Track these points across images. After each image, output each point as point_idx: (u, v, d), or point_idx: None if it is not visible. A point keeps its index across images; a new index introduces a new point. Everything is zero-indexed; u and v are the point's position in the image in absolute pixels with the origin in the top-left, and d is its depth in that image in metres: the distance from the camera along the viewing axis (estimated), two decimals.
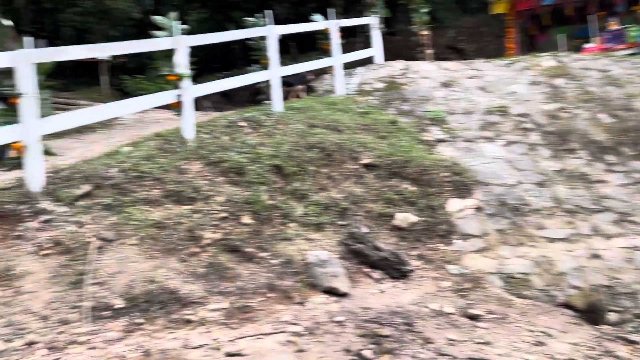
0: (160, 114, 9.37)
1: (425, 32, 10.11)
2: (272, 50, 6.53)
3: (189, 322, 3.67)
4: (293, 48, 14.55)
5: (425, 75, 8.50)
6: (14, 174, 4.27)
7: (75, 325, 3.34)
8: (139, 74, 20.45)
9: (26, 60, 3.83)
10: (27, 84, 3.84)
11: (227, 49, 17.67)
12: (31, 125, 3.88)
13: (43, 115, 4.02)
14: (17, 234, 3.78)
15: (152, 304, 3.66)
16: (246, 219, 4.74)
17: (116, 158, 4.82)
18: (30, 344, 3.08)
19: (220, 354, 3.29)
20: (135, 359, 3.12)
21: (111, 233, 4.05)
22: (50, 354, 3.05)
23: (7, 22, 3.93)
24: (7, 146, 4.03)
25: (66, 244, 3.83)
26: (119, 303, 3.58)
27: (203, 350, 3.30)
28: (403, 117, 7.31)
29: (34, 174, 3.95)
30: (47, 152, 4.12)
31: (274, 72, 6.55)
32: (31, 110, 3.88)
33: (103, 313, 3.50)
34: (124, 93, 20.27)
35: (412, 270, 4.75)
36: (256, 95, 9.18)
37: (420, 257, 5.04)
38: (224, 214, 4.67)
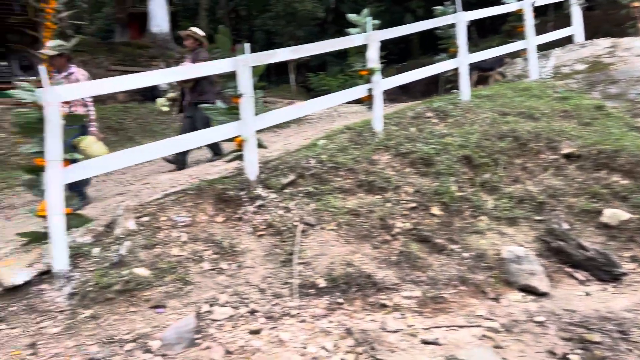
0: (343, 108, 9.81)
1: (637, 4, 8.79)
2: (461, 37, 6.37)
3: (384, 306, 3.84)
4: (473, 33, 13.96)
5: None
6: (234, 164, 4.92)
7: (287, 299, 3.75)
8: (321, 71, 21.71)
9: (245, 64, 4.37)
10: (246, 85, 4.38)
11: (403, 40, 17.70)
12: (249, 122, 4.43)
13: (257, 113, 4.55)
14: (238, 216, 4.36)
15: (351, 286, 3.91)
16: (435, 210, 4.74)
17: (314, 150, 5.21)
18: (252, 312, 3.55)
19: (416, 340, 3.38)
20: (338, 335, 3.38)
21: (313, 218, 4.42)
22: (269, 322, 3.48)
23: (225, 30, 4.50)
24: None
25: (276, 226, 4.30)
26: (321, 282, 3.90)
27: (400, 335, 3.43)
28: (611, 102, 6.51)
29: (251, 164, 4.51)
30: (260, 145, 4.65)
31: (463, 60, 6.38)
32: (249, 108, 4.42)
33: (309, 290, 3.86)
34: (308, 90, 21.76)
35: (624, 274, 4.25)
36: (431, 85, 9.02)
37: (634, 259, 4.47)
38: (413, 204, 4.74)
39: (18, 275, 3.54)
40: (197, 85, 6.07)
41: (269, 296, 3.75)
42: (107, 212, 4.56)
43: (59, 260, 3.54)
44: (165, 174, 6.17)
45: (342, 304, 3.79)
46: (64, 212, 3.58)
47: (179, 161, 6.28)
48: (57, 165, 3.51)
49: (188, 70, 4.33)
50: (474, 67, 6.68)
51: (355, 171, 4.94)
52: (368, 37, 5.32)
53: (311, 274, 3.97)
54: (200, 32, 6.40)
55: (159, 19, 14.83)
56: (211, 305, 3.55)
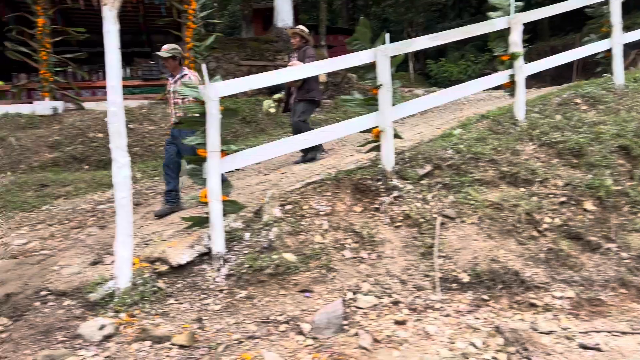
0: (470, 95, 9.40)
1: None
2: (615, 15, 5.75)
3: (533, 305, 3.64)
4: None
5: None
6: (369, 155, 4.96)
7: (428, 292, 3.72)
8: (440, 58, 21.04)
9: (384, 54, 4.36)
10: (384, 75, 4.38)
11: (530, 22, 16.42)
12: (387, 112, 4.43)
13: (394, 103, 4.53)
14: (375, 206, 4.40)
15: (496, 283, 3.77)
16: (588, 205, 4.38)
17: (450, 140, 5.07)
18: (395, 302, 3.57)
19: (573, 344, 3.16)
20: (487, 333, 3.28)
21: (452, 211, 4.31)
22: (413, 314, 3.48)
23: (365, 21, 4.50)
24: None
25: (414, 218, 4.27)
26: (464, 277, 3.81)
27: (554, 337, 3.23)
28: None
29: (387, 155, 4.51)
30: (396, 136, 4.63)
31: (617, 40, 5.77)
32: (387, 99, 4.42)
33: (451, 285, 3.78)
34: (427, 77, 21.25)
35: None
36: (564, 69, 8.21)
37: None
38: (563, 199, 4.41)
39: (182, 255, 3.91)
40: (304, 84, 6.05)
41: (411, 288, 3.75)
42: (251, 199, 4.85)
43: (217, 243, 3.85)
44: (299, 165, 6.41)
45: (487, 300, 3.67)
46: (221, 199, 3.88)
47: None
48: (216, 155, 3.81)
49: (330, 63, 4.43)
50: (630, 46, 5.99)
51: (497, 162, 4.72)
52: (511, 19, 5.02)
53: (453, 268, 3.89)
54: (306, 30, 6.49)
55: (284, 14, 15.33)
56: (354, 293, 3.64)
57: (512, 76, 5.12)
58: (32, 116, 9.02)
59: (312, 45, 6.43)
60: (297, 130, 5.84)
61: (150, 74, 10.63)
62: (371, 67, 4.51)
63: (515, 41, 5.03)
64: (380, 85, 4.39)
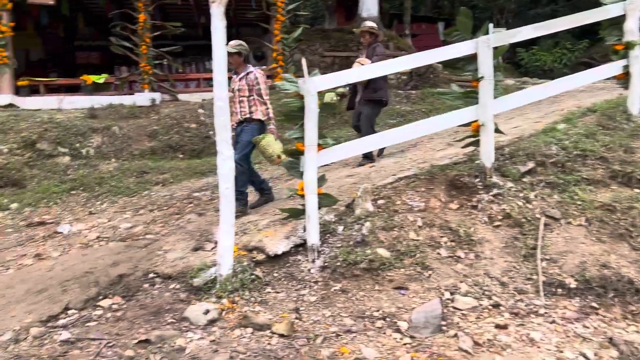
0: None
1: None
2: None
3: None
4: None
5: None
6: (465, 150, 4.80)
7: (531, 296, 3.54)
8: (532, 46, 19.88)
9: (487, 45, 4.17)
10: (486, 67, 4.19)
11: None
12: (488, 106, 4.24)
13: (495, 96, 4.33)
14: (472, 204, 4.25)
15: (607, 290, 3.51)
16: None
17: (554, 135, 4.78)
18: (495, 305, 3.44)
19: None
20: (598, 343, 3.07)
21: (557, 211, 4.07)
22: (514, 318, 3.33)
23: (466, 11, 4.32)
24: None
25: (515, 217, 4.07)
26: (571, 282, 3.58)
27: None
28: None
29: (487, 150, 4.32)
30: (497, 130, 4.43)
31: None
32: (488, 92, 4.23)
33: (556, 290, 3.58)
34: (517, 66, 20.18)
35: None
36: None
37: None
38: None
39: (278, 245, 4.00)
40: (371, 82, 5.76)
41: (512, 291, 3.59)
42: (342, 192, 4.86)
43: (312, 235, 3.90)
44: (387, 159, 6.34)
45: (597, 308, 3.44)
46: (316, 192, 3.92)
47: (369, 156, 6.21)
48: (313, 149, 3.85)
49: (431, 55, 4.31)
50: None
51: (608, 160, 4.39)
52: (627, 5, 4.62)
53: (558, 272, 3.67)
54: (375, 26, 6.32)
55: (369, 4, 15.21)
56: (452, 293, 3.54)
57: (626, 67, 4.72)
58: (132, 107, 9.62)
59: (381, 41, 6.27)
60: (365, 134, 5.63)
61: None
62: (471, 58, 4.34)
63: (631, 29, 4.62)
64: (482, 77, 4.21)
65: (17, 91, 9.83)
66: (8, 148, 7.80)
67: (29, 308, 3.51)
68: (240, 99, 5.08)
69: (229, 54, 4.95)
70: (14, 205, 6.60)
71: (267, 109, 5.08)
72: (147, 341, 3.06)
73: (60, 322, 3.36)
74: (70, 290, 3.72)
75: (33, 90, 10.14)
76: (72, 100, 9.67)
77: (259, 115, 5.08)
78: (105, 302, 3.59)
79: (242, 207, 4.91)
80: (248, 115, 5.06)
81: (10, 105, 9.48)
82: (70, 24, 13.28)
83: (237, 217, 4.00)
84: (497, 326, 3.22)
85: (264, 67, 11.84)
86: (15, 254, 4.86)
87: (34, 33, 12.91)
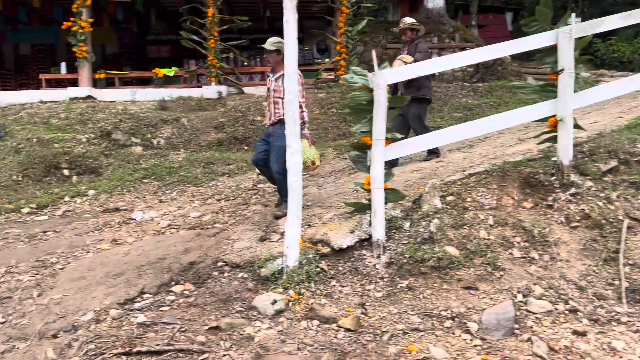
0: None
1: None
2: None
3: None
4: None
5: None
6: (541, 146, 4.57)
7: (612, 303, 3.33)
8: (610, 37, 18.68)
9: (569, 37, 3.94)
10: (567, 59, 3.96)
11: None
12: (567, 100, 4.02)
13: (575, 90, 4.09)
14: (548, 203, 4.05)
15: None
16: None
17: (639, 132, 4.46)
18: (572, 310, 3.26)
19: None
20: None
21: None
22: (594, 325, 3.15)
23: (547, 1, 4.09)
24: None
25: (595, 219, 3.85)
26: None
27: None
28: None
29: (565, 147, 4.10)
30: (576, 126, 4.19)
31: None
32: (568, 86, 4.00)
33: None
34: (591, 58, 19.03)
35: None
36: None
37: None
38: None
39: (343, 239, 3.99)
40: (414, 80, 5.39)
41: (590, 296, 3.40)
42: (407, 187, 4.78)
43: (378, 230, 3.86)
44: (454, 153, 6.17)
45: None
46: (383, 187, 3.88)
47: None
48: (381, 143, 3.80)
49: (508, 47, 4.12)
50: None
51: None
52: None
53: None
54: (417, 23, 6.08)
55: None
56: (525, 295, 3.40)
57: None
58: (200, 99, 9.92)
59: (423, 33, 6.07)
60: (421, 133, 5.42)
61: (303, 59, 11.04)
62: (550, 50, 4.12)
63: None
64: (561, 70, 3.98)
65: (95, 84, 10.40)
66: (87, 138, 8.28)
67: (108, 290, 3.71)
68: (275, 100, 4.77)
69: (267, 51, 4.79)
70: (91, 192, 7.00)
71: (303, 112, 4.67)
72: (217, 328, 3.15)
73: (136, 305, 3.52)
74: (145, 275, 3.88)
75: (109, 83, 10.70)
76: (144, 92, 10.11)
77: None
78: (177, 288, 3.72)
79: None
80: (282, 117, 4.59)
81: (89, 97, 10.05)
82: (143, 19, 13.87)
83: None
84: (575, 332, 3.06)
85: (327, 60, 11.86)
86: (93, 238, 5.14)
87: (110, 28, 13.61)
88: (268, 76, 5.02)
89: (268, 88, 4.90)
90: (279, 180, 4.81)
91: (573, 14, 3.98)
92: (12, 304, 3.64)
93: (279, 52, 4.72)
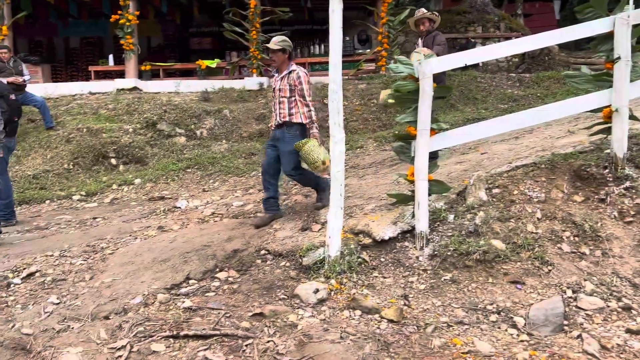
0: None
1: None
2: None
3: None
4: None
5: None
6: (593, 138, 4.41)
7: None
8: None
9: (626, 23, 3.77)
10: (623, 47, 3.79)
11: None
12: (623, 90, 3.84)
13: (632, 79, 3.91)
14: (600, 197, 3.90)
15: None
16: None
17: None
18: (626, 308, 3.14)
19: None
20: None
21: None
22: None
23: None
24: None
25: None
26: None
27: None
28: None
29: (620, 138, 3.93)
30: (632, 117, 4.01)
31: None
32: (624, 75, 3.83)
33: None
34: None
35: None
36: None
37: None
38: None
39: (385, 231, 3.97)
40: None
41: None
42: (451, 179, 4.71)
43: (422, 222, 3.81)
44: (500, 145, 6.03)
45: None
46: (427, 178, 3.82)
47: None
48: (426, 134, 3.74)
49: (561, 34, 3.97)
50: None
51: None
52: None
53: None
54: (436, 13, 5.85)
55: None
56: (574, 291, 3.29)
57: None
58: (242, 90, 10.04)
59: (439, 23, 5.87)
60: None
61: (344, 49, 10.94)
62: (605, 38, 3.94)
63: None
64: (618, 58, 3.81)
65: (140, 75, 10.68)
66: (133, 128, 8.52)
67: (155, 275, 3.82)
68: (281, 99, 4.64)
69: (272, 50, 4.68)
70: (137, 181, 7.22)
71: (310, 111, 4.61)
72: (261, 314, 3.20)
73: (183, 290, 3.62)
74: (190, 261, 3.98)
75: (154, 74, 10.97)
76: (187, 84, 10.32)
77: (299, 118, 4.61)
78: (221, 275, 3.80)
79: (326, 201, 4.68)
80: (287, 118, 4.61)
81: (135, 88, 10.33)
82: (187, 11, 14.13)
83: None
84: (629, 331, 2.94)
85: (368, 50, 11.76)
86: (140, 225, 5.31)
87: (154, 21, 13.93)
88: (273, 75, 4.94)
89: (274, 88, 4.79)
90: (297, 180, 4.86)
91: (631, 0, 3.80)
92: (66, 286, 3.81)
93: (284, 51, 4.65)
